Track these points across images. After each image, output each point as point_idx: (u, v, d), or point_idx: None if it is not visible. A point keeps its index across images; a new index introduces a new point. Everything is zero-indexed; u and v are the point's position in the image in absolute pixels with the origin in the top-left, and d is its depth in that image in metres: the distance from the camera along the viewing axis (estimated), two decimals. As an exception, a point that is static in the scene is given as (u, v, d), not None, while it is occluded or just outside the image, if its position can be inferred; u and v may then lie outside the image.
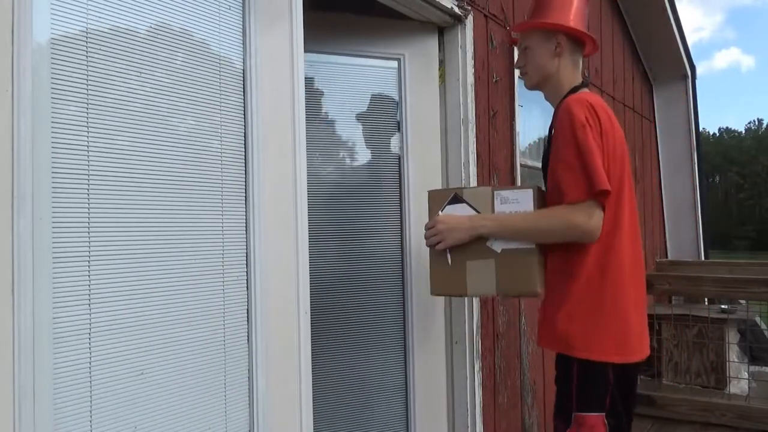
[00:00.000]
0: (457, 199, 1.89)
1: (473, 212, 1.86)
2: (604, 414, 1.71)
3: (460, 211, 1.88)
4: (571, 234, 1.71)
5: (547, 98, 2.01)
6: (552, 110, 1.94)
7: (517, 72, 3.13)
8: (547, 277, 1.83)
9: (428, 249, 1.95)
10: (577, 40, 1.94)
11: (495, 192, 1.86)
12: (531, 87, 2.01)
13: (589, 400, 1.72)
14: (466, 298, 2.62)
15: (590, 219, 1.68)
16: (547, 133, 1.96)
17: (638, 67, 5.48)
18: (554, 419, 1.84)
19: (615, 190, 1.72)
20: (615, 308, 1.73)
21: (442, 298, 2.64)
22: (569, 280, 1.76)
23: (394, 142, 2.68)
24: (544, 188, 1.89)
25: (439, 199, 1.93)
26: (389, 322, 2.64)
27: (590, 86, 4.18)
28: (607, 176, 1.68)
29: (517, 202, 1.82)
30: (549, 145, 1.87)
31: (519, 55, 2.02)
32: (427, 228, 1.90)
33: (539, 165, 3.61)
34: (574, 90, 1.89)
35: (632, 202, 1.82)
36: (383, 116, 2.68)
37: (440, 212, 1.90)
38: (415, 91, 2.66)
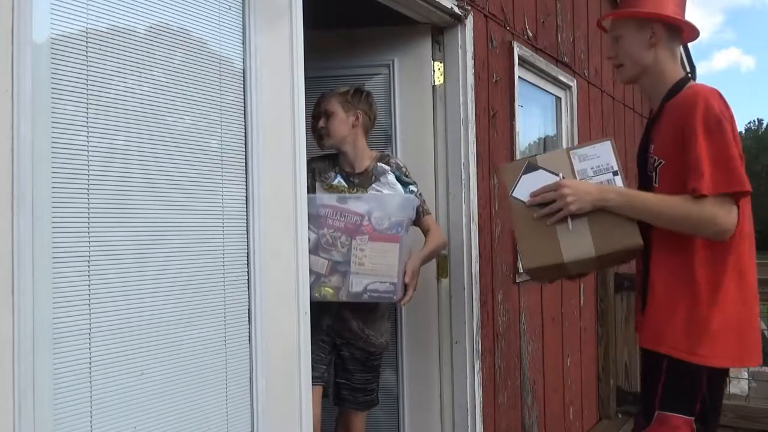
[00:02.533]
0: (531, 167, 1.79)
1: (553, 177, 1.77)
2: (692, 419, 1.64)
3: (538, 178, 1.78)
4: (706, 229, 1.62)
5: (644, 91, 1.91)
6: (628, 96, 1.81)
7: (517, 71, 3.14)
8: (656, 272, 1.74)
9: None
10: (674, 27, 1.81)
11: (570, 152, 1.78)
12: (626, 80, 1.90)
13: (677, 400, 1.65)
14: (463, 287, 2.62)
15: (729, 216, 1.60)
16: (644, 130, 1.87)
17: (638, 67, 5.48)
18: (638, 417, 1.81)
19: None
20: (736, 311, 1.66)
21: (435, 299, 2.63)
22: (688, 281, 1.67)
23: (385, 144, 2.70)
24: (643, 188, 1.81)
25: (512, 170, 1.83)
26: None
27: (591, 86, 4.21)
28: None
29: (597, 157, 1.75)
30: (648, 140, 1.81)
31: (610, 45, 1.89)
32: (535, 195, 1.77)
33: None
34: (682, 83, 1.78)
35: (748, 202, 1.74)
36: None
37: (515, 184, 1.80)
38: (406, 93, 2.68)
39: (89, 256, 1.33)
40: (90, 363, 1.32)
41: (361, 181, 2.35)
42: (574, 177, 1.77)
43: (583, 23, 4.14)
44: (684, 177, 1.64)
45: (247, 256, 1.69)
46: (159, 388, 1.46)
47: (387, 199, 2.18)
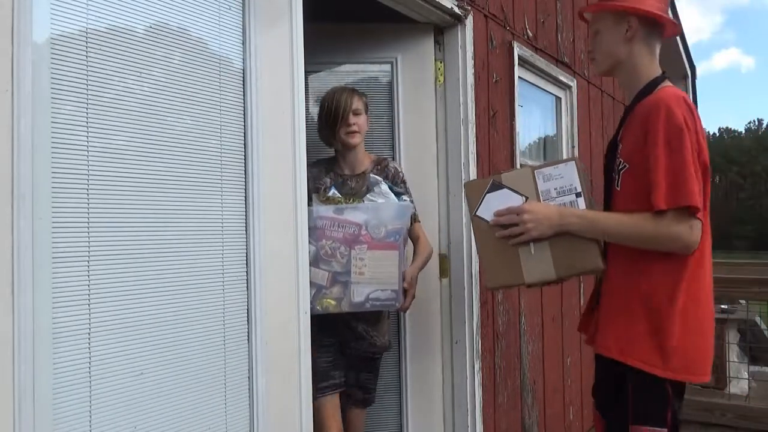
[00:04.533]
0: (495, 186, 1.81)
1: (517, 196, 1.79)
2: (666, 429, 1.64)
3: (502, 198, 1.80)
4: (671, 245, 1.63)
5: (622, 86, 1.92)
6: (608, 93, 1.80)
7: (517, 71, 3.14)
8: (613, 278, 1.74)
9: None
10: (653, 23, 1.78)
11: (535, 172, 1.79)
12: (601, 73, 1.91)
13: (648, 413, 1.65)
14: (462, 291, 2.62)
15: (692, 231, 1.61)
16: (617, 126, 1.84)
17: (638, 67, 5.48)
18: (598, 416, 1.86)
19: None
20: (695, 325, 1.67)
21: (437, 299, 2.63)
22: (644, 287, 1.67)
23: (388, 141, 2.70)
24: (607, 187, 1.81)
25: (477, 189, 1.85)
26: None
27: (591, 86, 4.21)
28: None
29: (561, 177, 1.76)
30: (617, 140, 1.78)
31: (590, 39, 1.91)
32: (499, 215, 1.79)
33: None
34: (656, 82, 1.76)
35: (707, 212, 1.72)
36: (376, 118, 2.69)
37: (480, 202, 1.82)
38: (409, 92, 2.67)
39: (89, 256, 1.33)
40: (90, 363, 1.32)
41: (357, 183, 2.35)
42: (538, 197, 1.78)
43: (583, 23, 4.13)
44: (645, 186, 1.63)
45: (246, 256, 1.69)
46: (158, 388, 1.46)
47: (384, 207, 2.19)
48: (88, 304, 1.33)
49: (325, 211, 2.12)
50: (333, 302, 2.10)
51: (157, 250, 1.47)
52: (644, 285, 1.67)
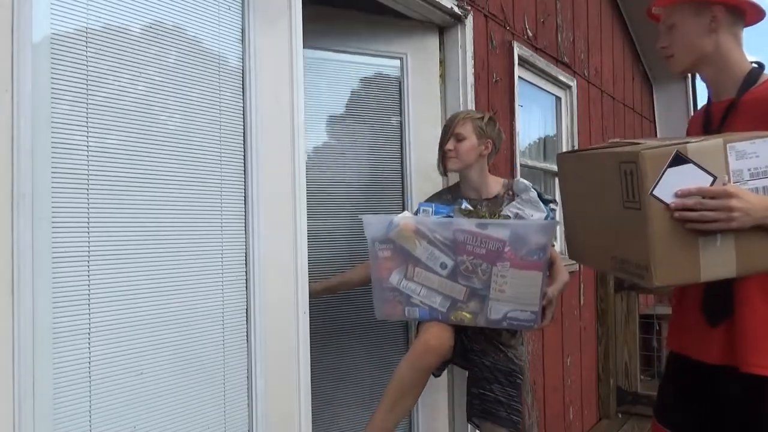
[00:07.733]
0: (679, 159, 1.42)
1: (704, 175, 1.43)
2: None
3: (685, 175, 1.42)
4: None
5: (707, 82, 1.72)
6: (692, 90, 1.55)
7: (517, 70, 3.14)
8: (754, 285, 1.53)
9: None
10: (736, 10, 1.62)
11: (728, 145, 1.42)
12: (680, 71, 1.71)
13: None
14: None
15: None
16: (713, 123, 1.65)
17: (638, 67, 5.48)
18: None
19: None
20: None
21: None
22: None
23: (396, 140, 2.69)
24: None
25: (656, 162, 1.43)
26: (388, 322, 2.64)
27: (591, 86, 4.20)
28: None
29: (756, 156, 1.42)
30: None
31: (662, 35, 1.70)
32: (684, 195, 1.42)
33: (539, 165, 3.62)
34: (757, 72, 1.61)
35: None
36: (385, 114, 2.68)
37: (659, 179, 1.43)
38: (417, 90, 2.67)
39: (89, 256, 1.33)
40: (89, 362, 1.32)
41: (490, 207, 2.23)
42: (729, 178, 1.44)
43: (583, 23, 4.14)
44: None
45: (246, 257, 1.69)
46: (157, 388, 1.46)
47: (529, 223, 2.04)
48: (88, 304, 1.33)
49: (468, 224, 1.97)
50: (469, 315, 1.99)
51: (157, 250, 1.47)
52: None
